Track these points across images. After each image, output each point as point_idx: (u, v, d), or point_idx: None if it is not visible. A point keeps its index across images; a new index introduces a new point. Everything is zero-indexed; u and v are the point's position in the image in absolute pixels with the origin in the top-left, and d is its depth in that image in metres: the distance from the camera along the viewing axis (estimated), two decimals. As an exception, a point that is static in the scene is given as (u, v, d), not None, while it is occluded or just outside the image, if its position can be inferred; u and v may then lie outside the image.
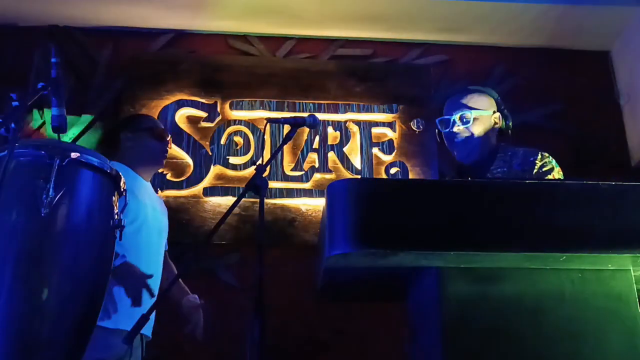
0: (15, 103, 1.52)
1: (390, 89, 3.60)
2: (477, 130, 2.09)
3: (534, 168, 2.06)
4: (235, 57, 3.63)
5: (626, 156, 3.60)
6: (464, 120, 2.09)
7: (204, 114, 3.47)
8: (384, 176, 3.36)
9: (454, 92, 2.21)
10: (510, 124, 2.16)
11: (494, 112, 2.14)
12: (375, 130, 3.50)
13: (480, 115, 2.10)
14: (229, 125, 3.46)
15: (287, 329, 2.93)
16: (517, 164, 2.07)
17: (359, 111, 3.53)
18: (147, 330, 2.18)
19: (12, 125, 1.43)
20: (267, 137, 3.37)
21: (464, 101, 2.12)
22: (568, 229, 1.10)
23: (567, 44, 3.80)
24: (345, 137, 3.48)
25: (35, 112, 3.29)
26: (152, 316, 1.77)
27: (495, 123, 2.13)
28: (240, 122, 3.48)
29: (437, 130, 2.20)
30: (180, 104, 3.46)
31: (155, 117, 3.09)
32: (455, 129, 2.09)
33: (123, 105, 3.41)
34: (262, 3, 3.45)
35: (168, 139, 2.45)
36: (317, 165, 3.40)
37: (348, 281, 1.36)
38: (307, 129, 3.15)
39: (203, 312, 2.30)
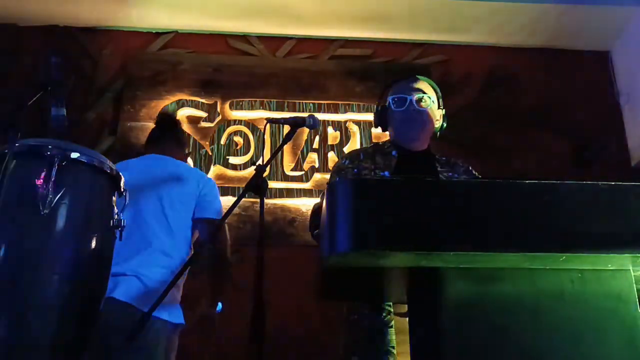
0: (15, 102, 1.52)
1: (390, 89, 3.60)
2: (431, 119, 1.95)
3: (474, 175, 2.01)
4: (235, 57, 3.64)
5: (626, 156, 3.60)
6: (424, 103, 1.93)
7: (204, 114, 3.47)
8: (384, 176, 3.36)
9: (404, 77, 2.02)
10: (444, 126, 2.02)
11: (442, 109, 2.01)
12: (375, 130, 3.49)
13: (434, 106, 1.96)
14: (229, 125, 3.47)
15: (287, 329, 2.93)
16: (463, 172, 1.97)
17: (359, 111, 3.54)
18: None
19: (12, 125, 1.43)
20: (267, 137, 3.37)
21: (419, 86, 1.96)
22: (568, 229, 1.10)
23: (567, 44, 3.80)
24: (345, 137, 3.48)
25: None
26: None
27: (437, 120, 1.99)
28: (240, 122, 3.48)
29: (377, 110, 2.01)
30: (180, 104, 3.46)
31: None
32: (415, 107, 1.91)
33: (123, 105, 3.42)
34: (262, 3, 3.45)
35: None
36: (317, 165, 3.40)
37: (348, 281, 1.36)
38: (307, 129, 3.14)
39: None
